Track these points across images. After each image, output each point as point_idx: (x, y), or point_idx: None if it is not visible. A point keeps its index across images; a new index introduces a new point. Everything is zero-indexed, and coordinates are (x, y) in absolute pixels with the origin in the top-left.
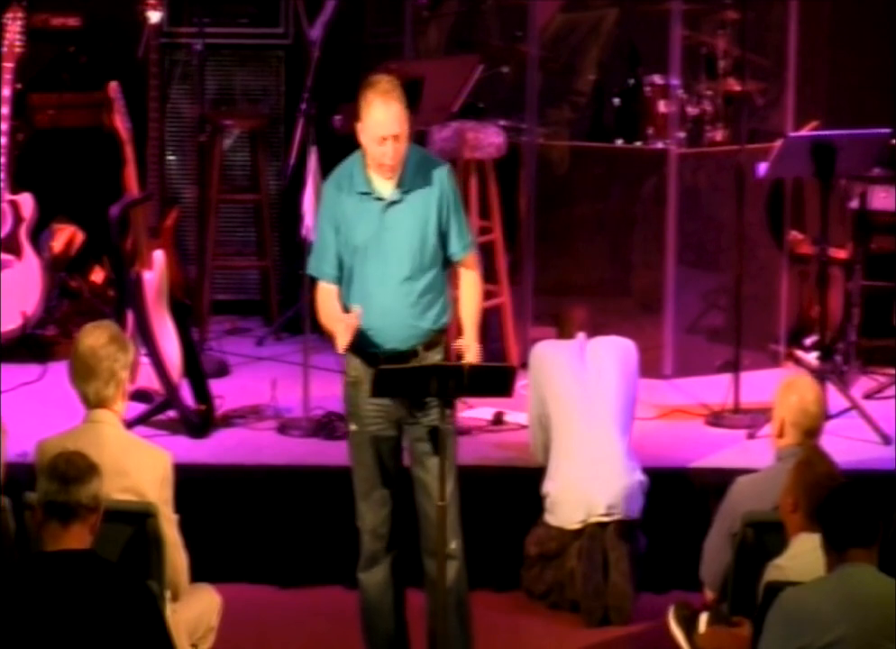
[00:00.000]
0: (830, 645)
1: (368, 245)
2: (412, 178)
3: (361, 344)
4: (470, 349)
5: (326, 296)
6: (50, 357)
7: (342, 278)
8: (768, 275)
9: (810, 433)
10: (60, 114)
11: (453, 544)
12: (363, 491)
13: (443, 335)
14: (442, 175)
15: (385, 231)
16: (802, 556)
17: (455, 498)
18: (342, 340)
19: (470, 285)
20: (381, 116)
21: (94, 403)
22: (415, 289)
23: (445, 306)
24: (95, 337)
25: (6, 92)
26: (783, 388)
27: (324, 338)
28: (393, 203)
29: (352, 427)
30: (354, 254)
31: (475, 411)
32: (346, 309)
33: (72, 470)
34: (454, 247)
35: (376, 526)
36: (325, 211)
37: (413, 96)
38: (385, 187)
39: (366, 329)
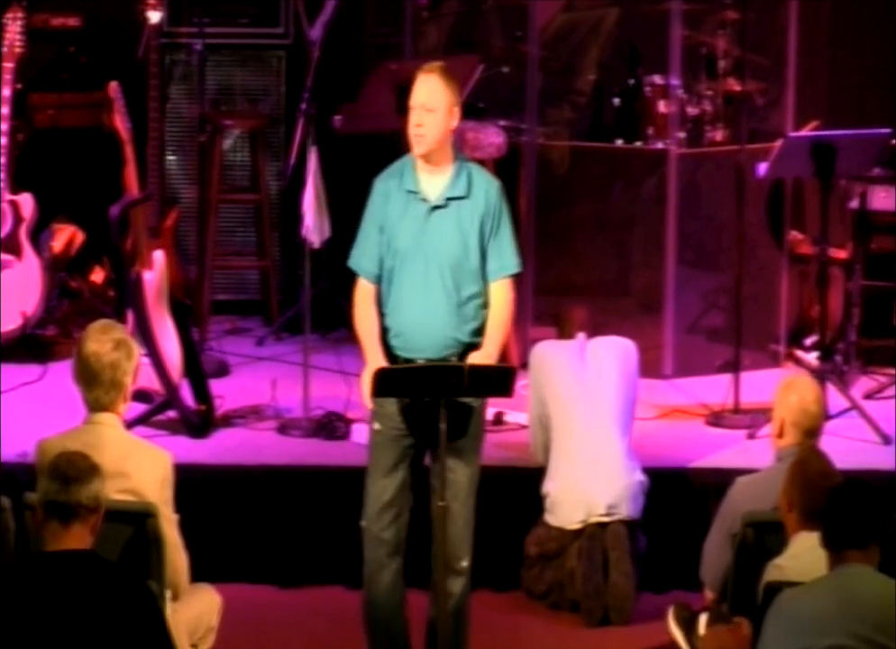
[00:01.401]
0: (830, 647)
1: (409, 249)
2: (460, 188)
3: (395, 349)
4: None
5: (364, 298)
6: (50, 357)
7: (382, 277)
8: (768, 275)
9: (810, 433)
10: (60, 114)
11: (465, 563)
12: (374, 493)
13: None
14: (491, 192)
15: (426, 235)
16: (802, 556)
17: (471, 514)
18: (368, 398)
19: (501, 304)
20: (419, 86)
21: (94, 408)
22: (453, 300)
23: (484, 322)
24: (100, 343)
25: (6, 92)
26: (783, 388)
27: (326, 338)
28: (437, 207)
29: (376, 426)
30: (395, 256)
31: None
32: (382, 312)
33: (73, 470)
34: (491, 266)
35: (380, 529)
36: (372, 207)
37: None
38: (432, 189)
39: (401, 333)
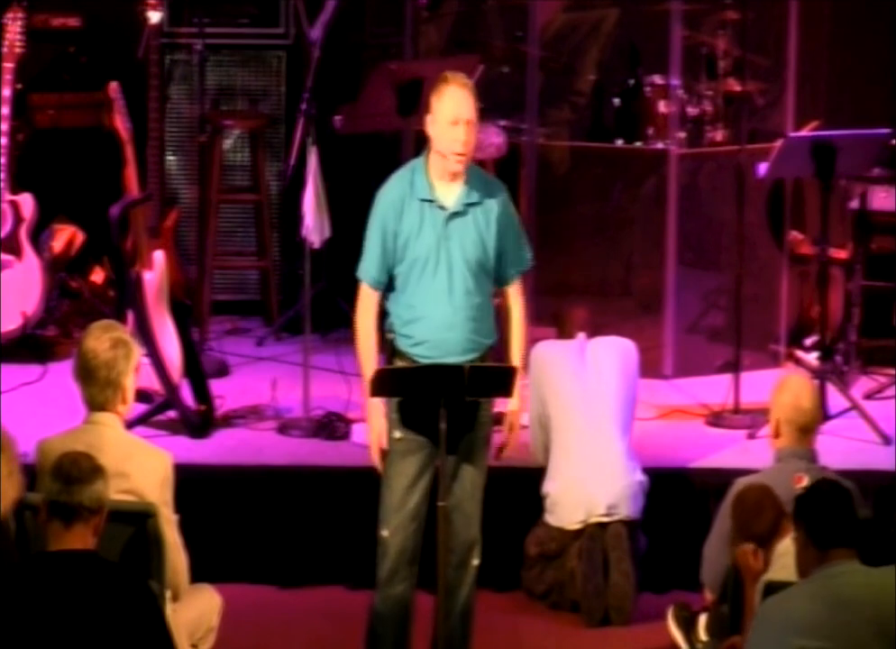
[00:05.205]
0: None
1: (429, 256)
2: (474, 192)
3: (418, 357)
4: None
5: (367, 306)
6: (50, 357)
7: (390, 285)
8: (768, 275)
9: (806, 430)
10: (60, 114)
11: (477, 561)
12: (398, 501)
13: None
14: (502, 195)
15: (447, 241)
16: (789, 555)
17: (479, 514)
18: (376, 457)
19: (519, 312)
20: (456, 99)
21: (91, 405)
22: (474, 303)
23: (493, 322)
24: (99, 341)
25: (6, 92)
26: (778, 388)
27: (326, 338)
28: (456, 214)
29: (396, 435)
30: (413, 265)
31: None
32: (383, 325)
33: (75, 470)
34: (510, 264)
35: (404, 539)
36: (379, 217)
37: (413, 96)
38: (447, 195)
39: (426, 341)
